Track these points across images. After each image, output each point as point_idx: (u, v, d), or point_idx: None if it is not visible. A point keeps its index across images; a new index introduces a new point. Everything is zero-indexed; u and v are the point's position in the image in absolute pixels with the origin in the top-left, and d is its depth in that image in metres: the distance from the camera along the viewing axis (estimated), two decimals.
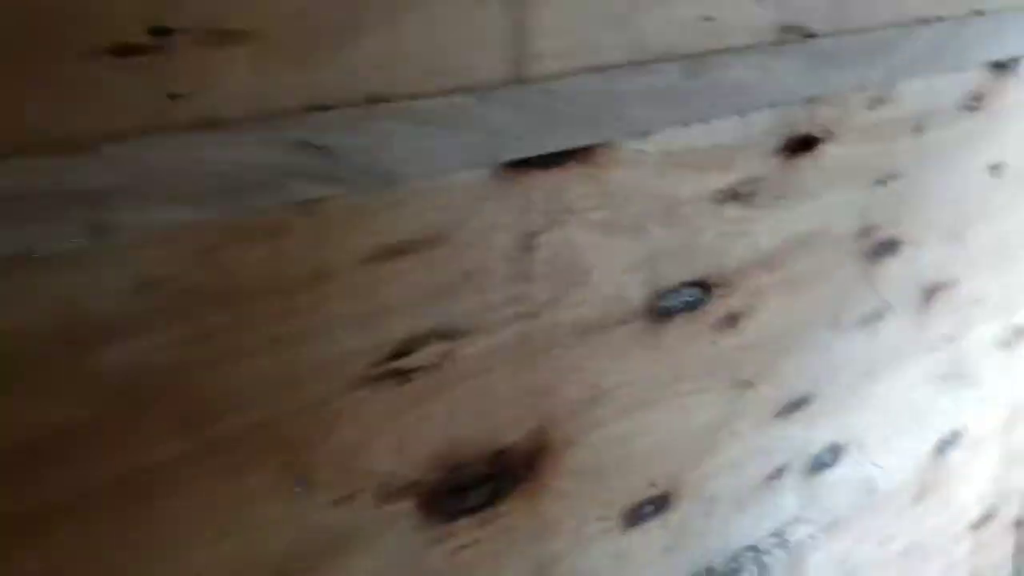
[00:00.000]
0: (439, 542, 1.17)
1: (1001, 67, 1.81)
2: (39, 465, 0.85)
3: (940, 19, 1.62)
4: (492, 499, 1.20)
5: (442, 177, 1.05)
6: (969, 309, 1.98)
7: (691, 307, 1.40)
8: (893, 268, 1.75)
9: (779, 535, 1.68)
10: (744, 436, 1.59)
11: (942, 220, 1.83)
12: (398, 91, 0.99)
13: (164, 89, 0.84)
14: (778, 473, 1.68)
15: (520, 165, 1.10)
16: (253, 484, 1.00)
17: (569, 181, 1.16)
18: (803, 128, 1.48)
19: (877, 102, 1.58)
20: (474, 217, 1.09)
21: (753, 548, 1.64)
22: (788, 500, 1.71)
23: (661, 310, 1.36)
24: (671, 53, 1.23)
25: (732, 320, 1.49)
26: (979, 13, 1.69)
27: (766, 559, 1.63)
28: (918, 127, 1.68)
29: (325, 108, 0.94)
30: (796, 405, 1.67)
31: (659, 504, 1.47)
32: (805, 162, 1.50)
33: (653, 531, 1.47)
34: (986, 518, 2.32)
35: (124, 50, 0.81)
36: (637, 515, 1.44)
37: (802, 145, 1.49)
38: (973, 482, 2.23)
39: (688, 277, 1.38)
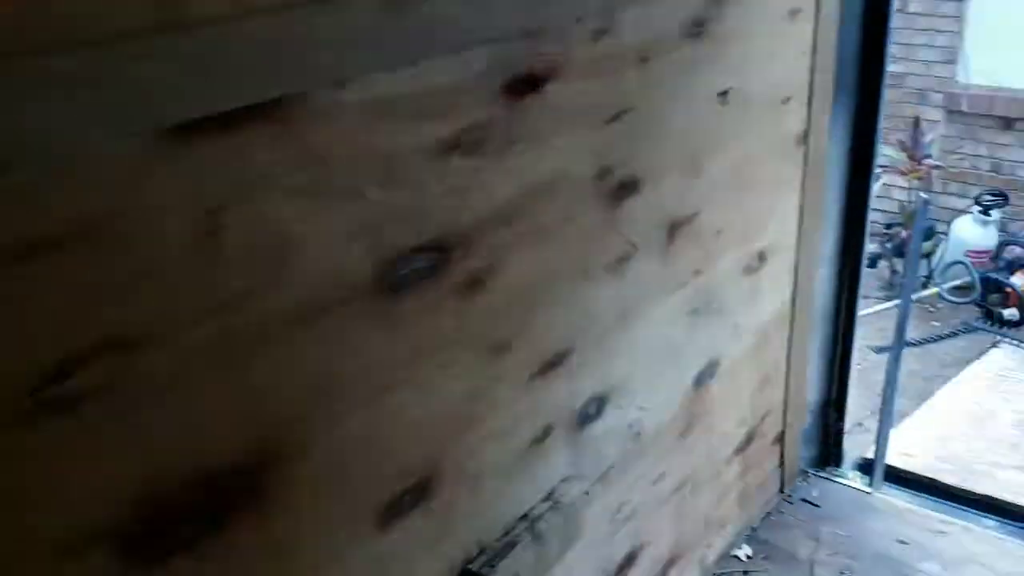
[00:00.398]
0: None
1: None
2: None
3: None
4: (210, 529, 1.01)
5: (84, 151, 0.84)
6: (712, 241, 1.98)
7: (428, 274, 1.26)
8: (635, 208, 1.70)
9: (551, 498, 1.60)
10: (505, 402, 1.48)
11: (678, 153, 1.79)
12: (13, 47, 0.76)
13: None
14: (544, 434, 1.59)
15: (188, 129, 0.90)
16: None
17: (255, 144, 0.97)
18: (525, 66, 1.36)
19: (600, 33, 1.49)
20: (135, 198, 0.88)
21: (525, 517, 1.54)
22: (558, 460, 1.63)
23: (393, 281, 1.21)
24: None
25: (477, 282, 1.36)
26: None
27: (540, 526, 1.54)
28: (644, 57, 1.62)
29: None
30: (556, 362, 1.59)
31: (418, 493, 1.34)
32: (533, 103, 1.39)
33: (415, 523, 1.34)
34: (749, 440, 2.38)
35: None
36: (394, 510, 1.29)
37: (527, 85, 1.37)
38: (733, 408, 2.26)
39: (420, 241, 1.24)
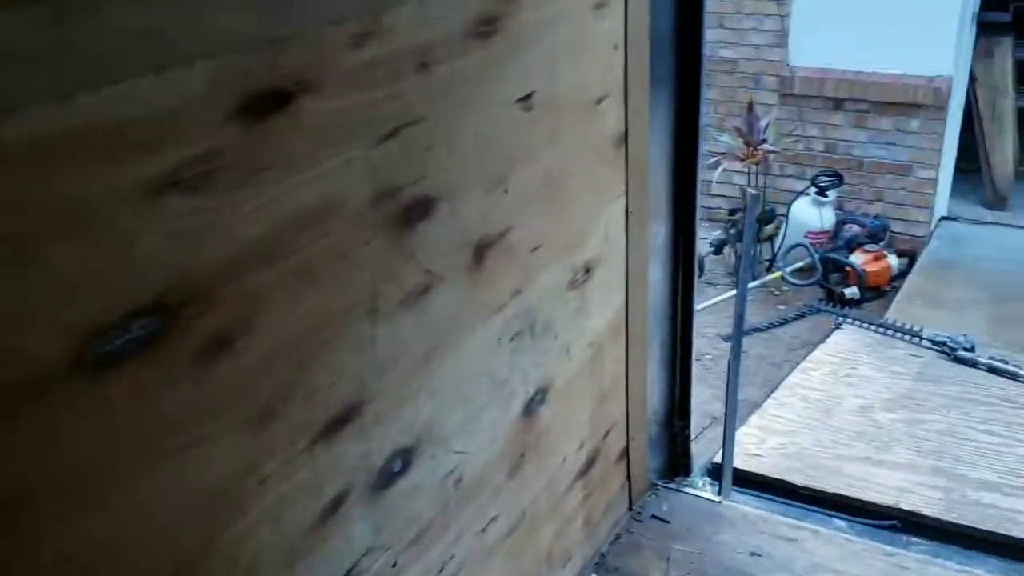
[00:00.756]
0: None
1: None
2: None
3: None
4: None
5: None
6: (529, 257, 1.80)
7: (149, 342, 1.03)
8: (432, 231, 1.50)
9: None
10: (280, 477, 1.26)
11: (478, 166, 1.60)
12: None
13: None
14: (336, 505, 1.37)
15: None
16: None
17: None
18: (266, 81, 1.14)
19: (364, 38, 1.28)
20: None
21: None
22: (356, 531, 1.42)
23: (99, 358, 0.97)
24: None
25: (222, 342, 1.13)
26: None
27: None
28: (423, 63, 1.41)
29: None
30: (344, 418, 1.37)
31: None
32: (281, 123, 1.17)
33: None
34: (591, 461, 2.23)
35: None
36: None
37: (270, 102, 1.15)
38: (571, 431, 2.11)
39: (132, 305, 1.00)
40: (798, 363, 4.20)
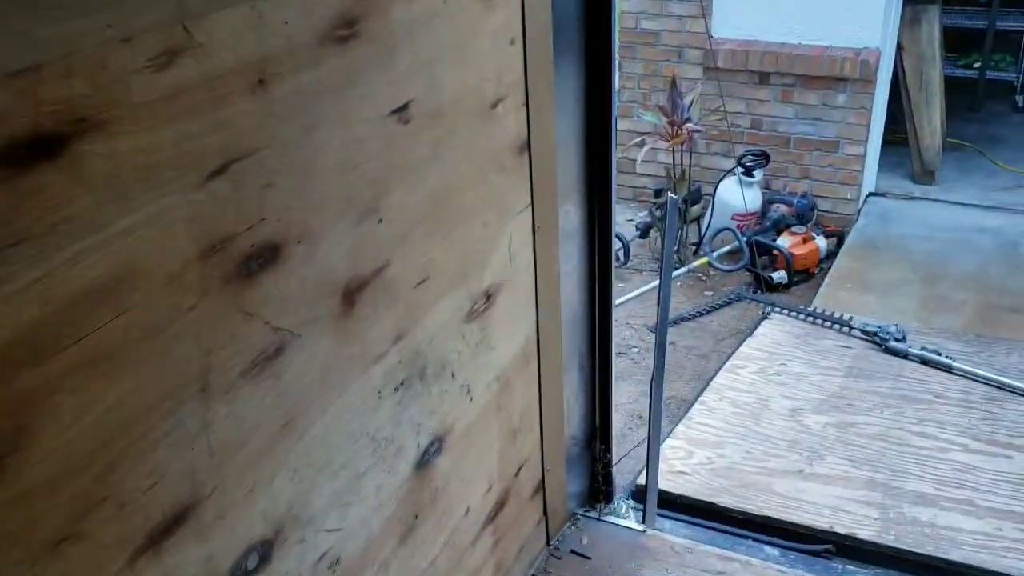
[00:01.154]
0: None
1: None
2: None
3: None
4: None
5: None
6: (414, 294, 1.55)
7: None
8: (282, 281, 1.24)
9: None
10: None
11: (341, 197, 1.34)
12: None
13: None
14: None
15: None
16: None
17: None
18: (26, 123, 0.87)
19: (170, 57, 1.01)
20: None
21: None
22: None
23: None
24: None
25: None
26: None
27: None
28: (260, 80, 1.15)
29: None
30: (172, 525, 1.12)
31: None
32: (49, 177, 0.89)
33: None
34: (502, 503, 2.00)
35: None
36: None
37: (34, 151, 0.88)
38: (476, 476, 1.88)
39: None
40: (726, 354, 4.04)
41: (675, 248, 4.94)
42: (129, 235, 0.99)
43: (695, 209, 5.12)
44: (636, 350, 4.24)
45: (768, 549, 2.25)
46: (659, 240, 5.00)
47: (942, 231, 5.00)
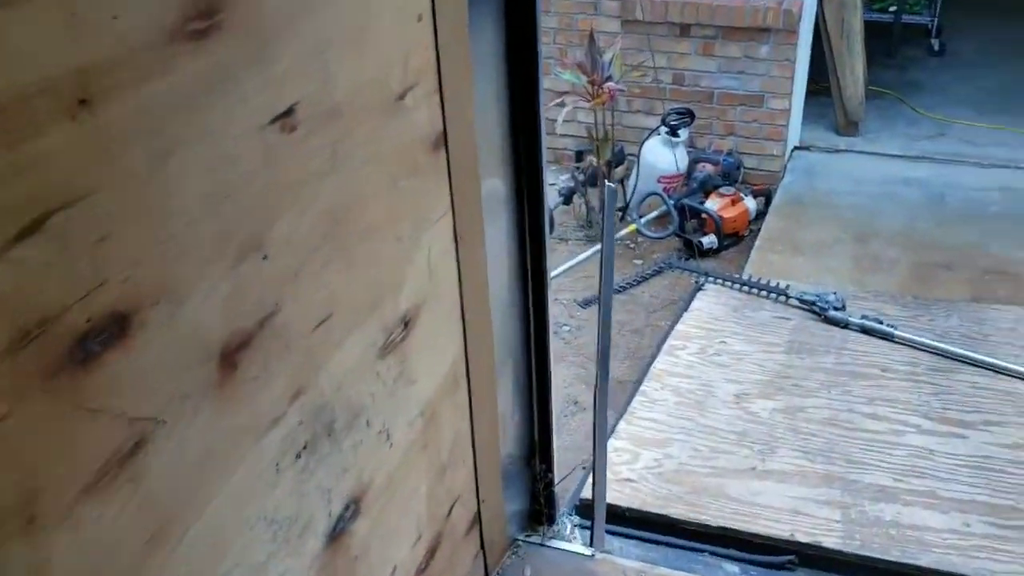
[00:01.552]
0: None
1: None
2: None
3: None
4: None
5: None
6: (314, 337, 1.27)
7: None
8: (134, 359, 0.95)
9: None
10: None
11: (212, 233, 1.05)
12: None
13: None
14: None
15: None
16: None
17: None
18: None
19: None
20: None
21: None
22: None
23: None
24: None
25: None
26: None
27: None
28: (81, 100, 0.85)
29: None
30: None
31: None
32: None
33: None
34: (433, 550, 1.75)
35: None
36: None
37: None
38: (402, 529, 1.62)
39: None
40: (660, 328, 3.86)
41: (601, 216, 4.71)
42: None
43: (619, 171, 4.89)
44: (567, 328, 4.02)
45: (727, 566, 2.06)
46: (584, 206, 4.76)
47: (869, 184, 4.88)
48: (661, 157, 4.70)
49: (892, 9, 6.64)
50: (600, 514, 2.10)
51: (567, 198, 4.80)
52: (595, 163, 4.71)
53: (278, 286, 1.18)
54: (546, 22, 5.18)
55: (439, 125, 1.58)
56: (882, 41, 6.47)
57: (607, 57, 4.44)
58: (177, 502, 1.04)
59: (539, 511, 2.17)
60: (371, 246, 1.41)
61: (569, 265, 4.33)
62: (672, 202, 4.46)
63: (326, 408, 1.33)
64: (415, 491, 1.66)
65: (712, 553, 2.11)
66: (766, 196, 4.77)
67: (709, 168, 4.80)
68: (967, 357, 3.04)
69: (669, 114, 4.72)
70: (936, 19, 6.70)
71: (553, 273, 4.28)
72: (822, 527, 2.18)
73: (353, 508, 1.43)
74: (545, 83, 5.45)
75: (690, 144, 4.97)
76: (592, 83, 4.39)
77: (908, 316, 3.43)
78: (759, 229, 4.51)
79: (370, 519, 1.48)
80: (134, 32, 0.90)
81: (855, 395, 2.84)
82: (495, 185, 1.87)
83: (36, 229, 0.82)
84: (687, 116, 4.74)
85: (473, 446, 1.87)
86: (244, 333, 1.12)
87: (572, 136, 5.17)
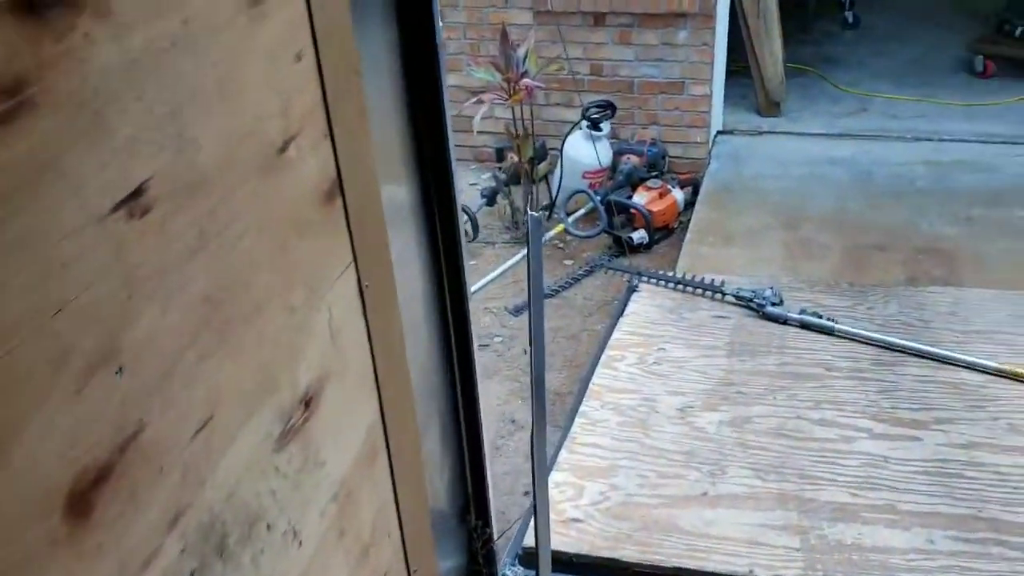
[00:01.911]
0: None
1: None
2: None
3: None
4: None
5: None
6: (192, 447, 1.08)
7: None
8: None
9: None
10: None
11: (48, 355, 0.85)
12: None
13: None
14: None
15: None
16: None
17: None
18: None
19: None
20: None
21: None
22: None
23: None
24: None
25: None
26: None
27: None
28: None
29: None
30: None
31: None
32: None
33: None
34: None
35: None
36: None
37: None
38: None
39: None
40: (596, 332, 3.72)
41: (526, 216, 4.55)
42: None
43: (543, 167, 4.73)
44: (499, 339, 3.85)
45: None
46: (508, 206, 4.59)
47: (795, 166, 4.81)
48: (584, 152, 4.55)
49: None
50: (545, 564, 1.94)
51: (490, 199, 4.62)
52: (516, 161, 4.54)
53: (140, 399, 0.98)
54: (455, 17, 4.98)
55: (332, 172, 1.39)
56: (797, 16, 6.41)
57: (521, 53, 4.26)
58: None
59: (478, 572, 2.00)
60: (258, 326, 1.21)
61: (497, 273, 4.16)
62: (599, 198, 4.31)
63: (215, 524, 1.13)
64: None
65: None
66: (693, 185, 4.66)
67: (634, 160, 4.66)
68: (910, 348, 2.96)
69: (589, 107, 4.57)
70: None
71: (481, 282, 4.12)
72: (781, 558, 2.06)
73: None
74: (458, 80, 5.24)
75: (613, 136, 4.83)
76: (508, 80, 4.21)
77: (846, 306, 3.35)
78: (689, 220, 4.39)
79: None
80: None
81: (801, 399, 2.73)
82: (398, 196, 1.69)
83: None
84: (607, 109, 4.59)
85: (399, 516, 1.69)
86: (99, 466, 0.93)
87: (492, 133, 4.98)
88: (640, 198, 4.35)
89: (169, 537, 1.04)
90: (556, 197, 4.60)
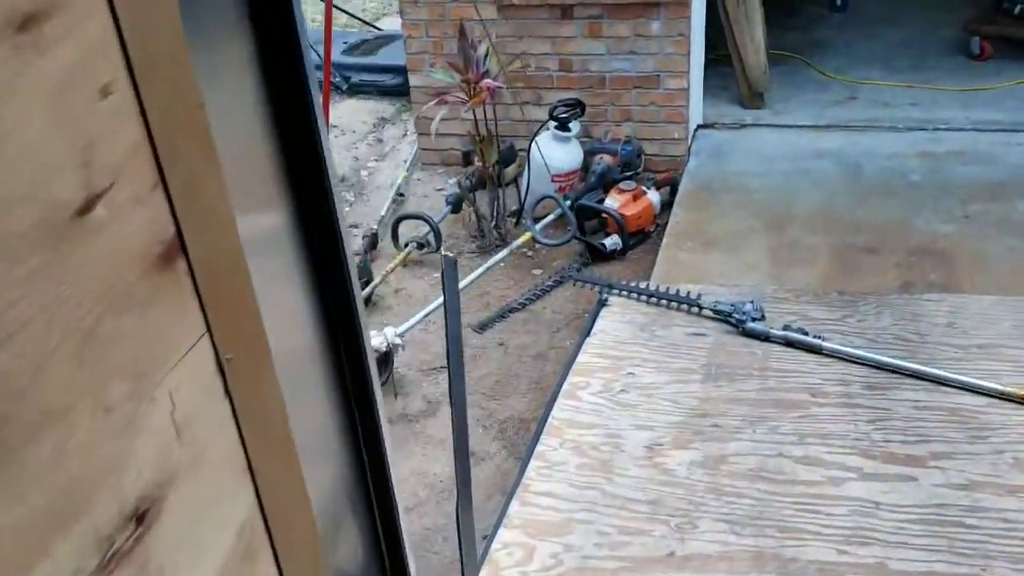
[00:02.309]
0: None
1: None
2: None
3: None
4: None
5: None
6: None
7: None
8: None
9: None
10: None
11: None
12: None
13: None
14: None
15: None
16: None
17: None
18: None
19: None
20: None
21: None
22: None
23: None
24: None
25: None
26: None
27: None
28: None
29: None
30: None
31: None
32: None
33: None
34: None
35: None
36: None
37: None
38: None
39: None
40: (564, 349, 3.45)
41: (493, 224, 4.28)
42: None
43: (510, 170, 4.47)
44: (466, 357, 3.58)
45: None
46: (473, 214, 4.31)
47: (780, 162, 4.53)
48: (553, 154, 4.28)
49: None
50: None
51: (455, 206, 4.35)
52: (481, 165, 4.26)
53: None
54: (416, 13, 4.69)
55: (168, 228, 1.11)
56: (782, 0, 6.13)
57: (481, 52, 3.98)
58: None
59: None
60: (52, 440, 0.94)
61: (464, 282, 3.88)
62: (568, 203, 4.04)
63: None
64: None
65: None
66: (671, 185, 4.38)
67: (607, 159, 4.39)
68: (905, 368, 2.69)
69: (556, 107, 4.29)
70: None
71: (440, 300, 3.84)
72: None
73: None
74: (420, 80, 4.91)
75: (585, 134, 4.55)
76: (467, 82, 3.93)
77: (835, 318, 3.08)
78: (666, 223, 4.12)
79: None
80: None
81: (783, 432, 2.46)
82: (268, 242, 1.41)
83: None
84: (576, 107, 4.31)
85: None
86: None
87: (459, 136, 4.70)
88: (612, 201, 4.07)
89: None
90: (524, 202, 4.33)
